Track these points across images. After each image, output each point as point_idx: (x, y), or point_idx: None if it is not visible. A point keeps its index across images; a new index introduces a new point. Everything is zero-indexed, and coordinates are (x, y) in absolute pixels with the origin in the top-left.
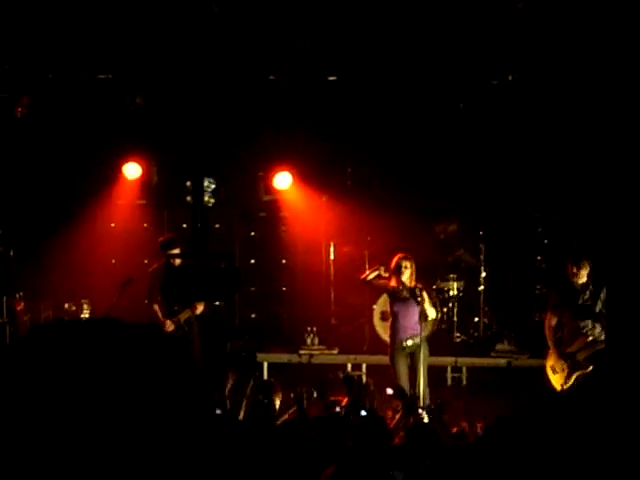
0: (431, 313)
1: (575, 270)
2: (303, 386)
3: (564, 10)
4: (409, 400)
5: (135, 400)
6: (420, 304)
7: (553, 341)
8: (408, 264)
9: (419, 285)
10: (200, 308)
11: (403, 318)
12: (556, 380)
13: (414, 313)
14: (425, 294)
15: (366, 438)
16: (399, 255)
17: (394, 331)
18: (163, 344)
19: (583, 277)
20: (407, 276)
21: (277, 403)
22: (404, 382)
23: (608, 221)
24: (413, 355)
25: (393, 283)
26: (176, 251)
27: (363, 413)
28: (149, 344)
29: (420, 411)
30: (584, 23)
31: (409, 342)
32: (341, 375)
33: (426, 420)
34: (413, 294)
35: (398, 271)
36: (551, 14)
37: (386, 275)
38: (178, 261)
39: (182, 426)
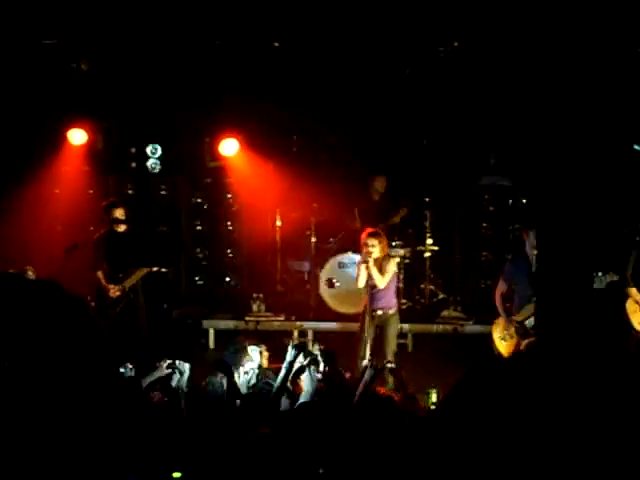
0: (379, 283)
1: (530, 237)
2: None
3: None
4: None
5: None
6: (370, 275)
7: (503, 309)
8: (375, 241)
9: (389, 255)
10: (143, 272)
11: (376, 292)
12: (505, 348)
13: (388, 287)
14: (379, 263)
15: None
16: (365, 233)
17: (369, 298)
18: (61, 300)
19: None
20: (377, 254)
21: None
22: (366, 350)
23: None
24: (382, 327)
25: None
26: (119, 213)
27: (319, 376)
28: (47, 300)
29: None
30: None
31: (379, 312)
32: (287, 342)
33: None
34: (383, 267)
35: (367, 248)
36: None
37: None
38: (122, 227)
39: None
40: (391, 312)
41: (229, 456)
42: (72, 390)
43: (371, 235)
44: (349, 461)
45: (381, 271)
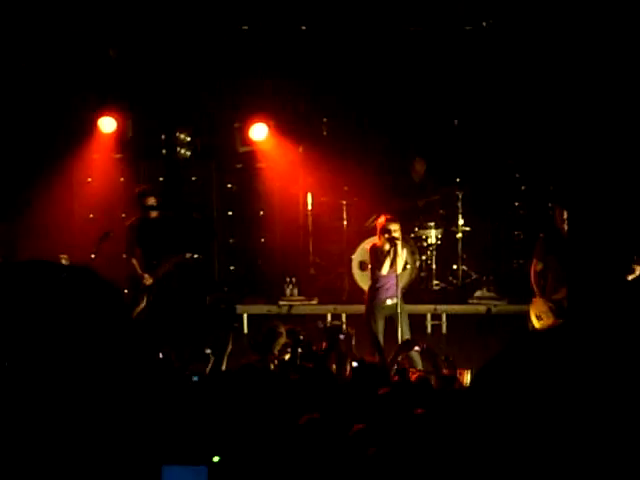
0: (400, 268)
1: (564, 216)
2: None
3: None
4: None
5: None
6: (394, 259)
7: (538, 287)
8: (397, 227)
9: (400, 241)
10: (177, 259)
11: (388, 279)
12: (541, 326)
13: (394, 275)
14: (400, 250)
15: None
16: (384, 217)
17: (375, 290)
18: (95, 288)
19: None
20: (400, 243)
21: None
22: (379, 340)
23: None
24: (393, 316)
25: (379, 243)
26: (151, 201)
27: (355, 364)
28: (80, 288)
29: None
30: None
31: (388, 302)
32: (321, 325)
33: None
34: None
35: (386, 233)
36: None
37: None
38: (154, 213)
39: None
40: (398, 297)
41: (275, 441)
42: (106, 375)
43: (391, 220)
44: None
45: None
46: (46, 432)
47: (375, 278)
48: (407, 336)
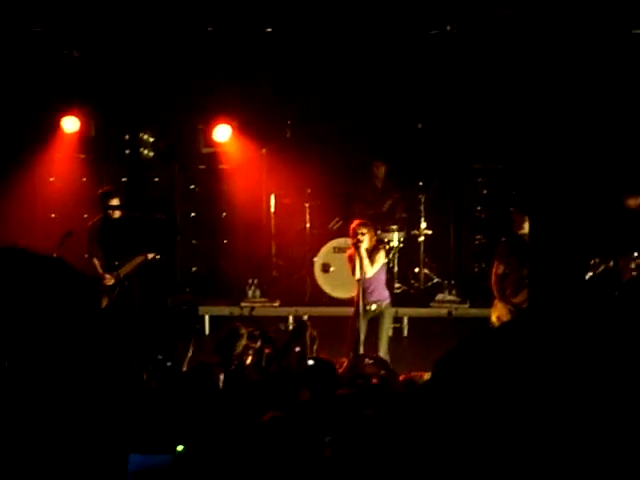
0: (368, 271)
1: (521, 220)
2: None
3: None
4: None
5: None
6: (361, 262)
7: (499, 290)
8: (365, 230)
9: (380, 246)
10: (139, 260)
11: (368, 284)
12: None
13: (378, 278)
14: (369, 253)
15: (315, 385)
16: (355, 222)
17: (358, 297)
18: (69, 279)
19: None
20: (366, 243)
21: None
22: (359, 345)
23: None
24: (376, 320)
25: (353, 251)
26: (115, 202)
27: (310, 362)
28: (54, 277)
29: (367, 360)
30: None
31: (373, 307)
32: (283, 327)
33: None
34: (373, 258)
35: (356, 239)
36: None
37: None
38: (117, 213)
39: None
40: (385, 304)
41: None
42: (79, 363)
43: (361, 224)
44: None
45: (371, 260)
46: (22, 420)
47: (361, 284)
48: (385, 340)
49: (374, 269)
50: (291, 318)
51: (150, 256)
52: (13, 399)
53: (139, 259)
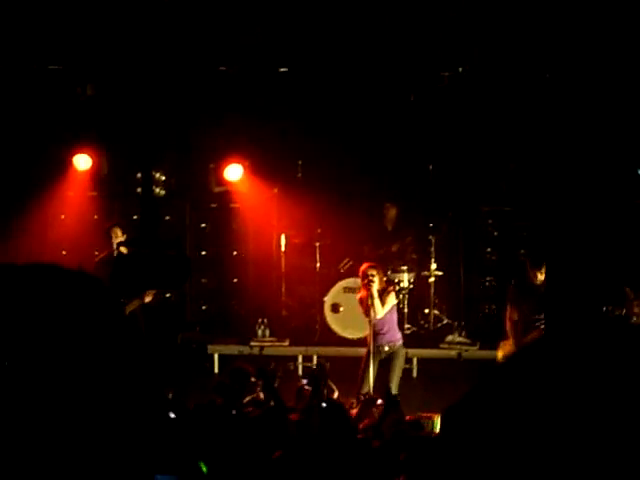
0: (378, 313)
1: (536, 273)
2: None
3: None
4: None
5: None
6: (372, 303)
7: (515, 335)
8: (374, 272)
9: (390, 288)
10: (149, 297)
11: (381, 326)
12: None
13: (390, 319)
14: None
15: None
16: (365, 265)
17: (372, 336)
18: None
19: (542, 277)
20: (376, 285)
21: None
22: (368, 387)
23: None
24: (389, 361)
25: (364, 294)
26: (118, 233)
27: (323, 405)
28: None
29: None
30: (532, 14)
31: (386, 348)
32: (292, 367)
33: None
34: (383, 299)
35: (366, 280)
36: (500, 4)
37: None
38: (124, 249)
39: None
40: (398, 345)
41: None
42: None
43: (370, 267)
44: None
45: (382, 302)
46: (42, 431)
47: (372, 326)
48: (396, 382)
49: (385, 310)
50: (300, 358)
51: (147, 299)
52: (19, 401)
53: (136, 302)
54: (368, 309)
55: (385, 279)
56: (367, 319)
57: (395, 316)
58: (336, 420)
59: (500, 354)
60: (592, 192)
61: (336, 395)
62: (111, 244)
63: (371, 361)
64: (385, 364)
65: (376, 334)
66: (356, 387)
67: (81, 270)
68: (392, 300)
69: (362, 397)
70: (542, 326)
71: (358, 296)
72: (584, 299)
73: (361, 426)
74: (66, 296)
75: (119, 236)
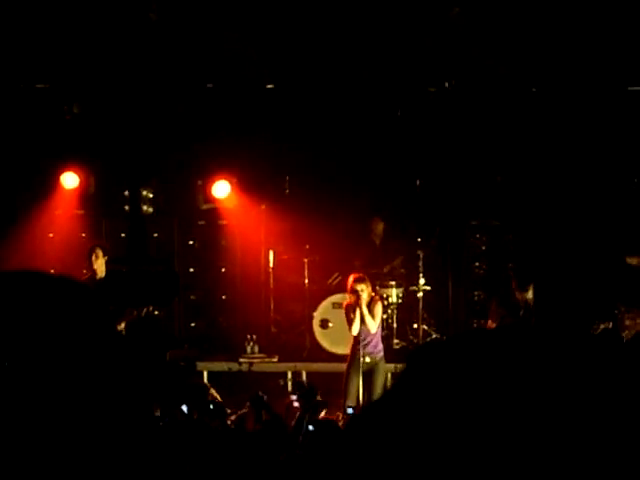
0: (371, 327)
1: (521, 293)
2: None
3: (498, 16)
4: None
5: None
6: (361, 317)
7: None
8: (364, 286)
9: (376, 297)
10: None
11: (364, 337)
12: None
13: (376, 331)
14: (367, 307)
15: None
16: (353, 277)
17: (353, 349)
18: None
19: (528, 296)
20: (365, 298)
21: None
22: (352, 399)
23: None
24: (370, 374)
25: (350, 300)
26: (100, 255)
27: (311, 428)
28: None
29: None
30: (518, 29)
31: (367, 359)
32: (282, 383)
33: None
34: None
35: (355, 294)
36: (486, 20)
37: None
38: (102, 269)
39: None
40: (378, 357)
41: None
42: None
43: (358, 280)
44: None
45: (371, 315)
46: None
47: (355, 338)
48: (379, 394)
49: (377, 323)
50: (290, 374)
51: (143, 311)
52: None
53: (132, 314)
54: (352, 319)
55: (373, 294)
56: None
57: (379, 329)
58: (327, 437)
59: None
60: (579, 204)
61: (323, 413)
62: (91, 265)
63: (353, 373)
64: (368, 377)
65: (359, 345)
66: (342, 400)
67: (67, 276)
68: (380, 311)
69: (347, 411)
70: None
71: (344, 304)
72: (572, 313)
73: None
74: (52, 301)
75: (100, 257)
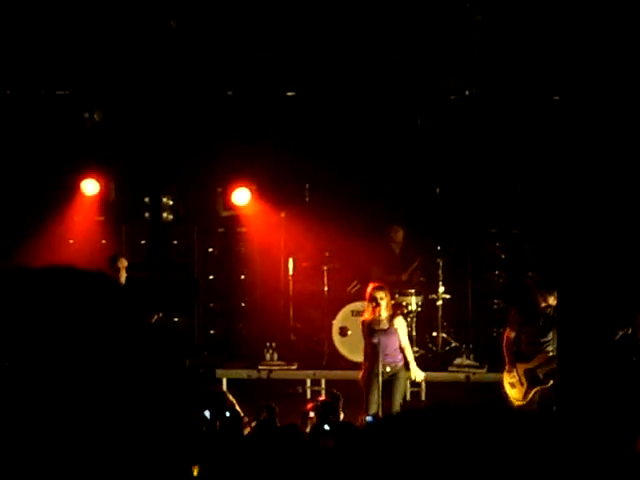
0: (405, 343)
1: (545, 295)
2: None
3: (519, 24)
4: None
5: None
6: (398, 334)
7: (510, 354)
8: (383, 294)
9: (398, 311)
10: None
11: (384, 348)
12: (514, 395)
13: (394, 341)
14: (403, 322)
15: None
16: (372, 286)
17: (372, 359)
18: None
19: (550, 302)
20: (384, 307)
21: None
22: (373, 408)
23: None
24: (390, 383)
25: (368, 315)
26: (123, 264)
27: (326, 427)
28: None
29: None
30: (538, 37)
31: (387, 369)
32: (300, 390)
33: None
34: (392, 323)
35: (374, 302)
36: (507, 28)
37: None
38: (124, 276)
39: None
40: (399, 366)
41: None
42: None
43: (377, 288)
44: None
45: (398, 329)
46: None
47: (372, 349)
48: (399, 404)
49: (406, 338)
50: (309, 382)
51: (159, 316)
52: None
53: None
54: (367, 332)
55: (393, 302)
56: (365, 342)
57: (397, 338)
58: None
59: (505, 380)
60: (601, 212)
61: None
62: (112, 271)
63: (373, 383)
64: (387, 387)
65: (378, 355)
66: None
67: (100, 271)
68: (402, 325)
69: (369, 419)
70: (548, 348)
71: (361, 319)
72: (596, 321)
73: None
74: (83, 298)
75: (124, 266)
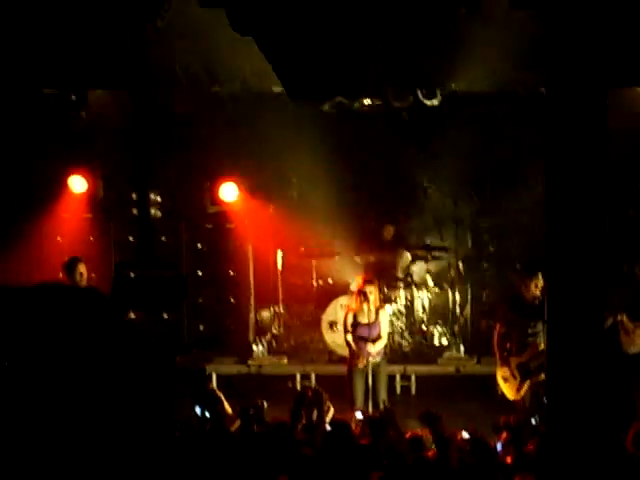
0: (384, 335)
1: (529, 285)
2: (253, 398)
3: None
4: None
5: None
6: (380, 326)
7: (501, 350)
8: (372, 288)
9: (384, 305)
10: None
11: (369, 334)
12: (508, 389)
13: (377, 334)
14: (387, 315)
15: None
16: (362, 278)
17: (356, 350)
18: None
19: (536, 291)
20: (372, 301)
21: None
22: (360, 400)
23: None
24: (374, 374)
25: (355, 306)
26: (82, 269)
27: (328, 428)
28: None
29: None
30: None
31: (370, 359)
32: (290, 385)
33: None
34: (377, 316)
35: (363, 296)
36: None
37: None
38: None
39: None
40: (380, 357)
41: None
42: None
43: (367, 282)
44: None
45: (381, 322)
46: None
47: (356, 340)
48: (382, 397)
49: (386, 330)
50: (298, 376)
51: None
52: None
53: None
54: (351, 323)
55: (381, 297)
56: (347, 333)
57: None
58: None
59: (498, 373)
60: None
61: (331, 414)
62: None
63: (357, 376)
64: (372, 377)
65: (361, 349)
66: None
67: (90, 287)
68: (386, 317)
69: (358, 415)
70: (538, 340)
71: (346, 309)
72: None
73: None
74: (75, 314)
75: (82, 271)
